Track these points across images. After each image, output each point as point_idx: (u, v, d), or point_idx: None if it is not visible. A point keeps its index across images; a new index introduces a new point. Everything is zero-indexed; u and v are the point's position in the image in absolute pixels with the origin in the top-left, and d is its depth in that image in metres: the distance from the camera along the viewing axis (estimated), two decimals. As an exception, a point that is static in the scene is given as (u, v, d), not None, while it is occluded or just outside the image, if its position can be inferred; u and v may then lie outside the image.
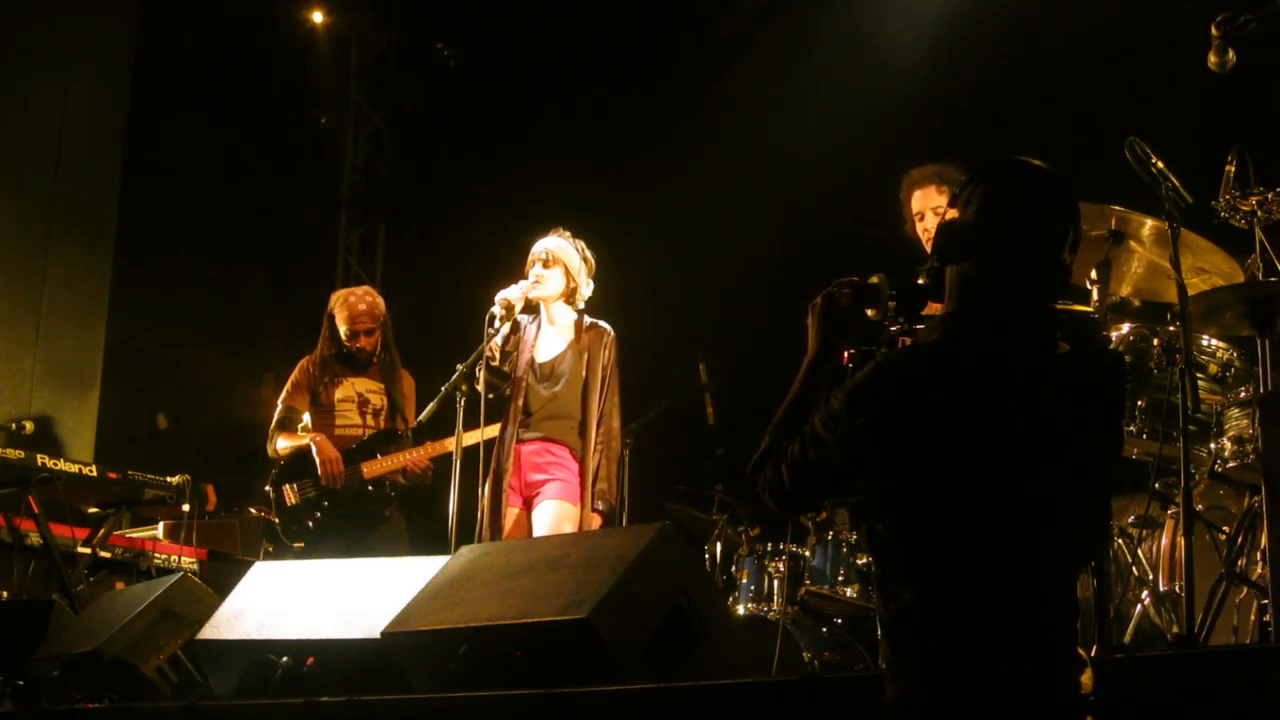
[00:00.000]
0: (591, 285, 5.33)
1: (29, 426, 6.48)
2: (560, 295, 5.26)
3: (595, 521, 5.03)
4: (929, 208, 4.67)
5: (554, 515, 5.01)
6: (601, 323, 5.30)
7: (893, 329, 2.54)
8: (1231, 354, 3.94)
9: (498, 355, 5.14)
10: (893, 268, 2.55)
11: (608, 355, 5.21)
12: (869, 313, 2.49)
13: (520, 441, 5.15)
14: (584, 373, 5.18)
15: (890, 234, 4.88)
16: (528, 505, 5.14)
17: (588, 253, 5.32)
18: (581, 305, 5.32)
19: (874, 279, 2.50)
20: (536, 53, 8.94)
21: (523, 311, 5.26)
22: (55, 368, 8.21)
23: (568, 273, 5.24)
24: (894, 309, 2.49)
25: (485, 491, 5.11)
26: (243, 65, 9.23)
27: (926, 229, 4.67)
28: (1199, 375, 3.78)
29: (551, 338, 5.30)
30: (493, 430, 5.23)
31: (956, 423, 2.27)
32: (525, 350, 5.27)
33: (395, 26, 10.00)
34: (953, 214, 2.48)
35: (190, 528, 6.59)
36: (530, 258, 5.26)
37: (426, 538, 5.85)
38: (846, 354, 2.52)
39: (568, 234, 5.31)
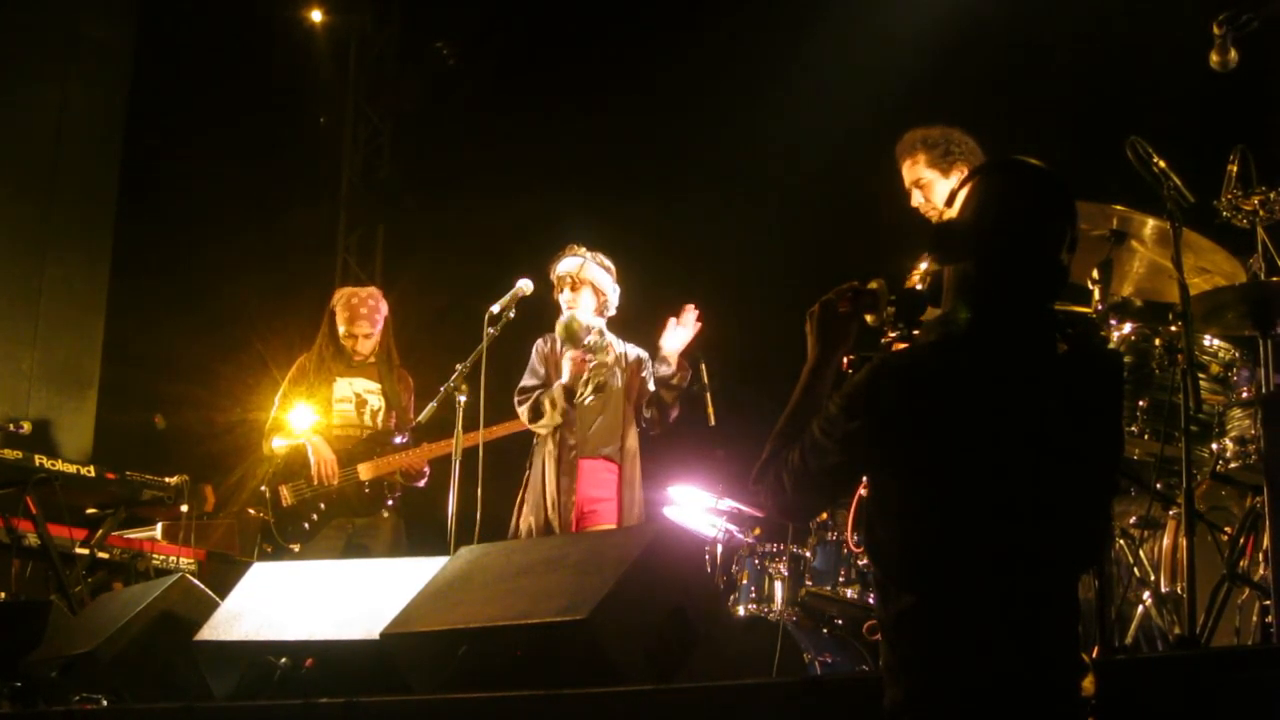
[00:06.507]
0: (618, 291, 5.37)
1: (27, 427, 6.45)
2: (593, 313, 5.32)
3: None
4: (912, 180, 4.56)
5: None
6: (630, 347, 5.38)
7: (892, 335, 2.51)
8: (1234, 354, 3.92)
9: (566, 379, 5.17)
10: (896, 263, 2.54)
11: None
12: (868, 319, 2.47)
13: (582, 458, 5.18)
14: (622, 391, 5.25)
15: (893, 231, 4.85)
16: (578, 522, 5.14)
17: (607, 261, 5.35)
18: (610, 314, 5.38)
19: (873, 285, 2.48)
20: (536, 52, 8.94)
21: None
22: (53, 368, 8.20)
23: (595, 290, 5.29)
24: (893, 315, 2.47)
25: (527, 513, 5.14)
26: (241, 64, 9.22)
27: (917, 204, 4.58)
28: (1201, 375, 3.77)
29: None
30: (491, 432, 5.21)
31: (954, 425, 2.25)
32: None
33: (395, 26, 9.99)
34: (950, 213, 2.46)
35: (188, 528, 6.59)
36: (556, 282, 5.28)
37: (425, 539, 5.83)
38: (846, 360, 2.50)
39: (583, 250, 5.32)
